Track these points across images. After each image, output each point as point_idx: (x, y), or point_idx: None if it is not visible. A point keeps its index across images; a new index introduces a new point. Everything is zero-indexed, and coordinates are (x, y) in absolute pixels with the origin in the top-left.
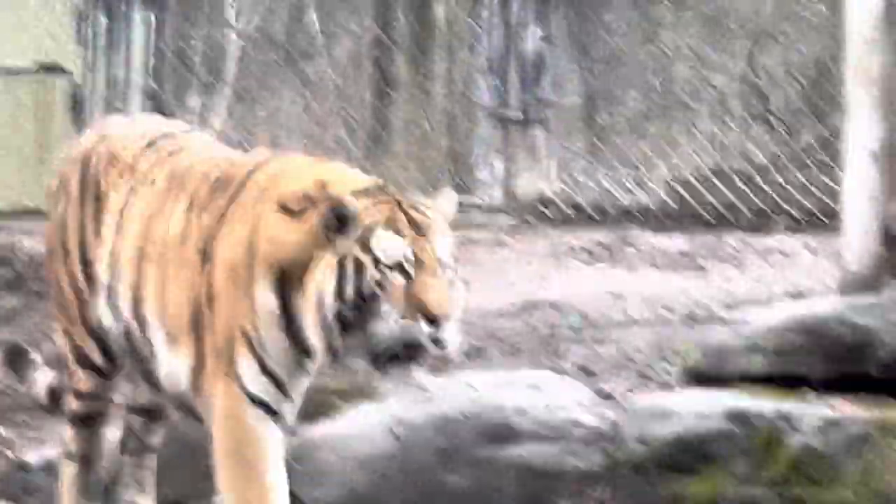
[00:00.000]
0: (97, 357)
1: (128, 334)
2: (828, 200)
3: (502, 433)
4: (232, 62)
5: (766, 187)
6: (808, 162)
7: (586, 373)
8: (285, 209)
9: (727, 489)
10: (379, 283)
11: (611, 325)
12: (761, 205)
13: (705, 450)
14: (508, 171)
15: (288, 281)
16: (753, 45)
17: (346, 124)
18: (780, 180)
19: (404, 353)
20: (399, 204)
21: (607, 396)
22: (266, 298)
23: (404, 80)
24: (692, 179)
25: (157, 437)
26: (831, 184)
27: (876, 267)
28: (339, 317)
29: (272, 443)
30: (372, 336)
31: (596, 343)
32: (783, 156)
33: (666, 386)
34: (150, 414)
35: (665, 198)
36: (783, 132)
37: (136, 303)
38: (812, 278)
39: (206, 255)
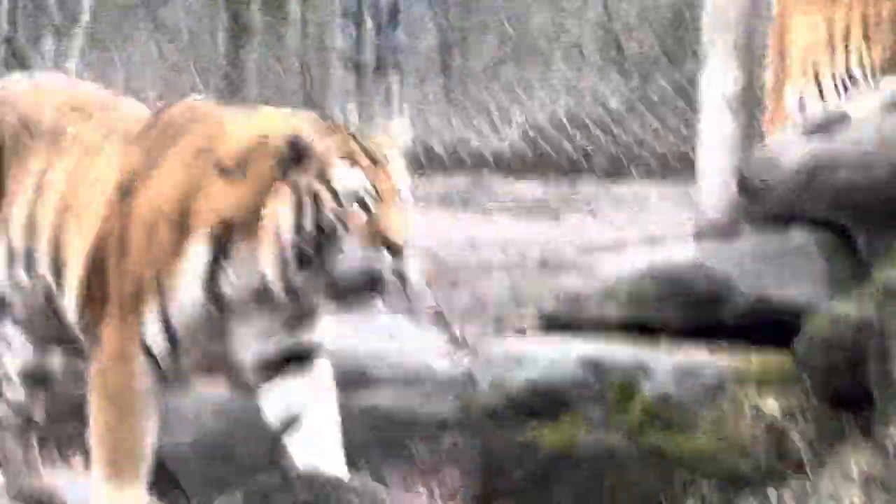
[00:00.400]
0: None
1: (47, 293)
2: (683, 147)
3: (356, 379)
4: (86, 6)
5: (620, 134)
6: (664, 108)
7: (440, 319)
8: (226, 172)
9: (581, 436)
10: (338, 216)
11: (465, 271)
12: (616, 151)
13: (559, 397)
14: (363, 115)
15: (228, 234)
16: None
17: (200, 69)
18: (635, 127)
19: (366, 285)
20: (352, 135)
21: (461, 342)
22: (197, 252)
23: (258, 25)
24: (547, 125)
25: (40, 412)
26: (686, 131)
27: (731, 214)
28: (298, 252)
29: (151, 394)
30: (333, 270)
31: (450, 288)
32: (638, 102)
33: (520, 332)
34: (36, 383)
35: (520, 144)
36: (638, 78)
37: (56, 257)
38: (667, 225)
39: (126, 192)
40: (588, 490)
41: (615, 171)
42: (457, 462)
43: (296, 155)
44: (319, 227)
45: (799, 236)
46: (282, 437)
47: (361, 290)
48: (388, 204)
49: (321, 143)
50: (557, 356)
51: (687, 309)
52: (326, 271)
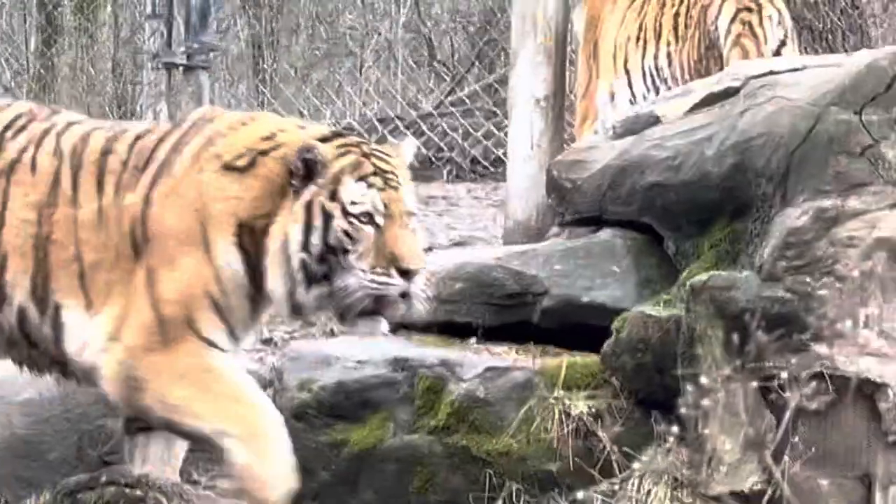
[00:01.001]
0: None
1: (22, 322)
2: (494, 149)
3: None
4: None
5: (431, 134)
6: (475, 110)
7: None
8: (231, 167)
9: (389, 437)
10: (347, 234)
11: None
12: (426, 153)
13: (367, 397)
14: (173, 116)
15: (249, 238)
16: None
17: (11, 69)
18: (446, 127)
19: (373, 307)
20: (363, 151)
21: (268, 342)
22: (228, 258)
23: (69, 25)
24: (356, 125)
25: None
26: (498, 132)
27: (540, 215)
28: (305, 268)
29: (240, 371)
30: (340, 289)
31: None
32: (449, 103)
33: (328, 333)
34: None
35: None
36: (449, 79)
37: (36, 286)
38: (477, 226)
39: (138, 237)
40: (395, 491)
41: (424, 171)
42: None
43: (308, 171)
44: (328, 245)
45: (607, 237)
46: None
47: (367, 310)
48: (400, 224)
49: (335, 161)
50: (365, 356)
51: (496, 310)
52: (334, 290)
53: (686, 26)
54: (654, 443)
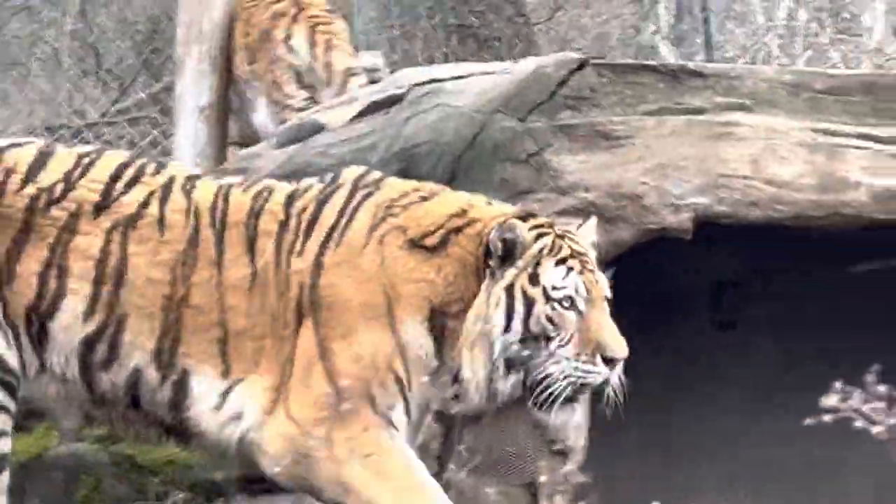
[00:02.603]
0: None
1: (135, 384)
2: (162, 157)
3: None
4: None
5: (97, 143)
6: (140, 118)
7: None
8: (420, 246)
9: (55, 445)
10: (550, 319)
11: None
12: None
13: (34, 409)
14: None
15: (439, 323)
16: (86, 1)
17: None
18: (112, 136)
19: (573, 394)
20: (557, 232)
21: None
22: (417, 340)
23: None
24: (22, 134)
25: None
26: (164, 140)
27: None
28: (506, 354)
29: (413, 454)
30: (544, 377)
31: None
32: (115, 112)
33: None
34: None
35: None
36: (117, 88)
37: (165, 350)
38: None
39: (306, 305)
40: (61, 499)
41: None
42: None
43: (508, 252)
44: (530, 332)
45: None
46: None
47: (567, 398)
48: (600, 310)
49: (535, 243)
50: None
51: None
52: (533, 379)
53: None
54: None
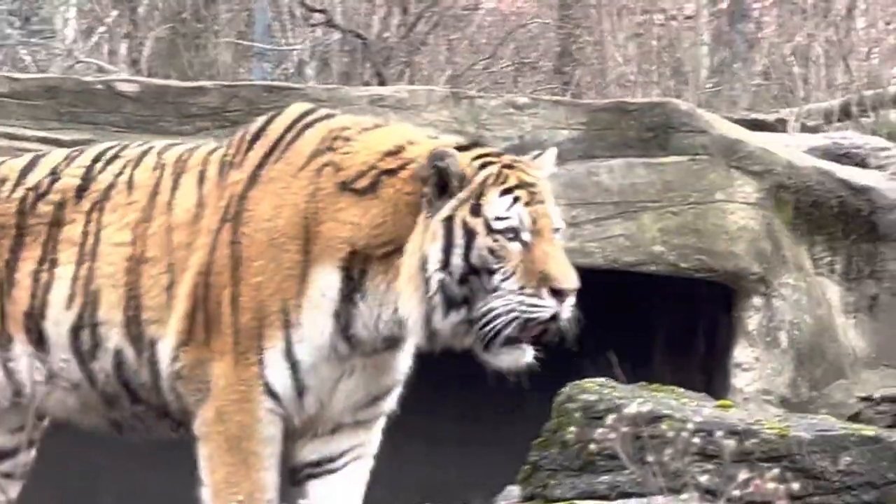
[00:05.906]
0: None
1: (120, 368)
2: None
3: None
4: None
5: None
6: None
7: None
8: (352, 189)
9: None
10: (492, 251)
11: None
12: None
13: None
14: None
15: (359, 262)
16: None
17: None
18: None
19: (521, 333)
20: (505, 162)
21: None
22: (327, 281)
23: None
24: None
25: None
26: None
27: None
28: (444, 291)
29: (275, 440)
30: (484, 313)
31: None
32: None
33: None
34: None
35: None
36: None
37: (132, 321)
38: None
39: (230, 215)
40: None
41: None
42: None
43: (442, 182)
44: (471, 266)
45: None
46: None
47: (513, 337)
48: (548, 241)
49: (471, 170)
50: None
51: None
52: (475, 315)
53: None
54: None
